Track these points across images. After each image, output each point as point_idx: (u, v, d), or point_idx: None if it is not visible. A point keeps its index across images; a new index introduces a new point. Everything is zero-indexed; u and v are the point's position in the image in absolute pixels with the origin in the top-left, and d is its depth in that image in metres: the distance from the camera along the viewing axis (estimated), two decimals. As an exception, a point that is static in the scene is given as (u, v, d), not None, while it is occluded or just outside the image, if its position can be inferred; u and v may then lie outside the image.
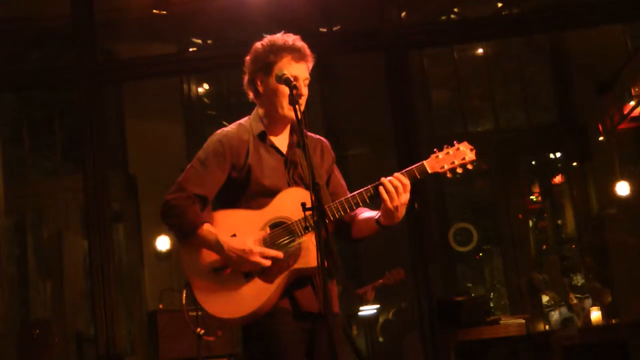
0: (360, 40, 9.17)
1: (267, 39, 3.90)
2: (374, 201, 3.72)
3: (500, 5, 10.68)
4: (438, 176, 3.79)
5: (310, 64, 3.90)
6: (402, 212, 3.70)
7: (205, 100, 11.79)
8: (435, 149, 3.79)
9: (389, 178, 3.68)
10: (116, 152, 10.77)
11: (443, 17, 10.11)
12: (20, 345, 8.16)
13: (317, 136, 4.05)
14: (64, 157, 11.48)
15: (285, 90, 3.74)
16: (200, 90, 11.69)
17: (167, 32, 9.66)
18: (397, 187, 3.65)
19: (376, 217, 3.79)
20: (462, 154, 3.78)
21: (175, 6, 8.87)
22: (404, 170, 3.71)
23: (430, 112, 11.44)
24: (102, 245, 8.37)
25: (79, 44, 8.88)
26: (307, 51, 3.89)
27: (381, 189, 3.66)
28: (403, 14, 9.52)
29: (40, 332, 8.05)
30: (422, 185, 8.66)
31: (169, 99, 11.02)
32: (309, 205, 3.49)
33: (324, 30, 9.45)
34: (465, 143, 3.81)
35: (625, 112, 10.07)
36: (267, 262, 3.65)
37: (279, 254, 3.67)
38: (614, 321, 8.88)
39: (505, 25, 9.50)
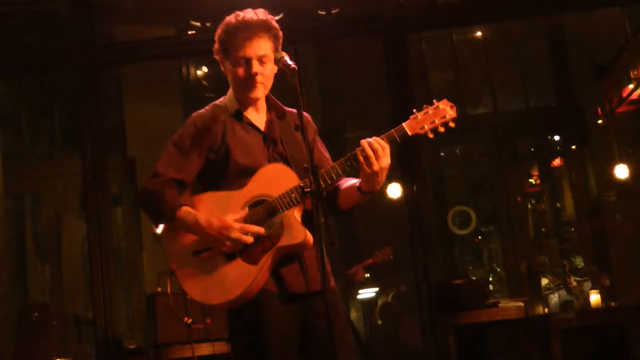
0: (359, 23, 9.15)
1: (226, 19, 3.81)
2: (355, 169, 3.61)
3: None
4: (422, 139, 3.70)
5: (271, 39, 3.75)
6: (382, 177, 3.59)
7: (204, 83, 11.75)
8: (414, 110, 3.71)
9: (367, 140, 3.58)
10: (115, 135, 10.74)
11: (442, 0, 10.06)
12: (19, 329, 8.14)
13: (296, 110, 3.74)
14: (62, 140, 11.48)
15: (237, 72, 3.74)
16: (199, 73, 11.66)
17: (166, 14, 9.62)
18: (376, 150, 3.54)
19: (357, 184, 3.69)
20: (442, 112, 3.70)
21: (174, -12, 8.85)
22: (382, 135, 3.61)
23: (429, 95, 11.41)
24: (101, 228, 8.36)
25: (78, 26, 8.85)
26: (263, 25, 3.74)
27: (359, 153, 3.55)
28: (402, -4, 9.50)
29: (39, 316, 8.02)
30: (420, 168, 8.67)
31: (167, 81, 10.99)
32: (296, 183, 3.51)
33: (323, 13, 9.39)
34: (445, 100, 3.73)
35: (624, 95, 10.06)
36: (249, 239, 3.55)
37: (260, 229, 3.56)
38: (612, 304, 8.89)
39: (504, 8, 9.46)
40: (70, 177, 10.51)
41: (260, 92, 3.79)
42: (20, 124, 11.37)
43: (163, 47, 9.18)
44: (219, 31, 3.81)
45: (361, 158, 3.54)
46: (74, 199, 10.92)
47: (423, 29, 9.93)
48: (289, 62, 3.52)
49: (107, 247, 8.34)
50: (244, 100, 3.83)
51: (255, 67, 3.72)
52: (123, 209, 11.23)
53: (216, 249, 3.61)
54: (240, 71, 3.74)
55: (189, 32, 9.43)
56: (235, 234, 3.54)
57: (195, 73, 11.60)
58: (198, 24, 9.51)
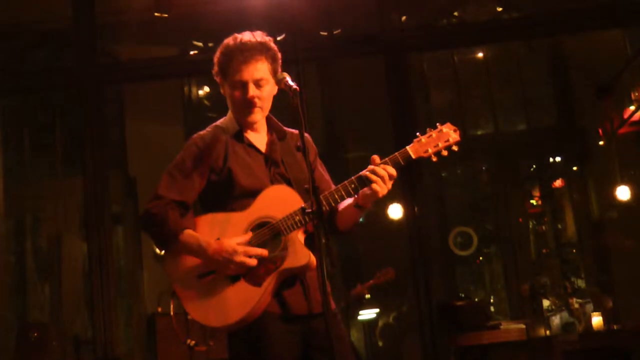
0: (360, 43, 9.19)
1: (224, 41, 3.78)
2: (358, 192, 3.58)
3: (499, 9, 10.68)
4: (424, 160, 3.64)
5: (269, 61, 3.73)
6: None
7: (206, 102, 11.76)
8: (418, 133, 3.67)
9: (372, 167, 3.55)
10: (116, 154, 10.74)
11: (443, 21, 10.10)
12: (18, 349, 8.12)
13: (297, 131, 3.80)
14: (64, 158, 11.46)
15: (234, 95, 3.73)
16: (200, 92, 11.68)
17: (168, 34, 9.66)
18: (383, 177, 3.52)
19: (353, 203, 3.66)
20: (445, 135, 3.65)
21: (177, 9, 8.88)
22: (386, 158, 3.59)
23: (430, 115, 11.43)
24: (101, 247, 8.37)
25: (80, 45, 8.89)
26: (260, 48, 3.71)
27: (372, 183, 3.52)
28: (403, 17, 9.54)
29: (38, 335, 8.01)
30: (421, 188, 8.67)
31: (169, 101, 11.01)
32: (300, 205, 3.45)
33: (325, 33, 9.44)
34: (448, 124, 3.68)
35: (625, 116, 10.07)
36: (253, 262, 3.51)
37: (264, 252, 3.53)
38: (615, 327, 8.84)
39: (505, 29, 9.51)
40: (71, 196, 10.49)
41: (258, 115, 3.77)
42: (21, 142, 11.36)
43: (165, 66, 9.22)
44: (217, 54, 3.78)
45: (374, 185, 3.52)
46: (74, 218, 10.89)
47: (424, 49, 9.96)
48: (291, 82, 3.48)
49: (108, 266, 8.33)
50: (243, 123, 3.80)
51: (252, 90, 3.70)
52: (124, 228, 11.20)
53: (220, 272, 3.58)
54: (237, 94, 3.72)
55: (191, 52, 9.46)
56: (239, 258, 3.51)
57: (197, 92, 11.62)
58: (200, 43, 9.56)
